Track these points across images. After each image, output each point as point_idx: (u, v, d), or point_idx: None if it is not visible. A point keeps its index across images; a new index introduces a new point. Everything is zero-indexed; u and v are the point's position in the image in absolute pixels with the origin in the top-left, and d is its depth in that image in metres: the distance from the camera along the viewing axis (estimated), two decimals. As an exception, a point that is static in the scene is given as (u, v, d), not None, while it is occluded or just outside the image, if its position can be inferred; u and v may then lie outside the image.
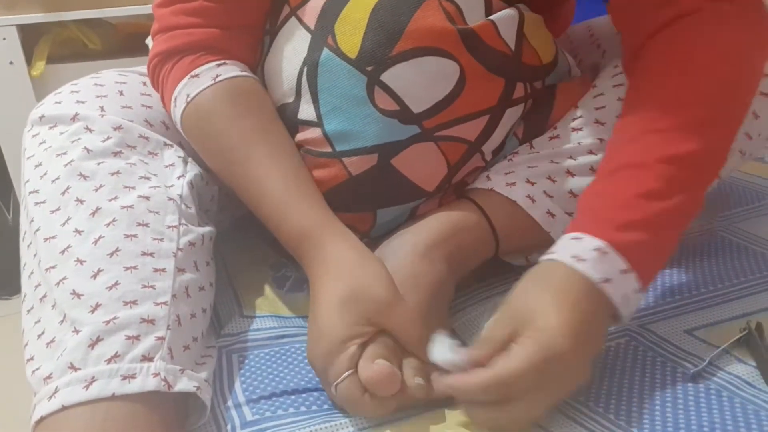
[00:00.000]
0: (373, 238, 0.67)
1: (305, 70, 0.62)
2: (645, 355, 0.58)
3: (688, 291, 0.67)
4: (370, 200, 0.65)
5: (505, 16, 0.64)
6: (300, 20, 0.64)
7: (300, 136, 0.64)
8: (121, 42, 1.72)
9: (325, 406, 0.55)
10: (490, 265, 0.68)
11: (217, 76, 0.64)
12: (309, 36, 0.63)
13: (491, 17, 0.64)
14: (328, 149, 0.63)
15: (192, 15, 0.65)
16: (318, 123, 0.63)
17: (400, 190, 0.64)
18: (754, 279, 0.67)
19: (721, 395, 0.52)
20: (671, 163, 0.55)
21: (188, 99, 0.64)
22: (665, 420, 0.50)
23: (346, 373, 0.52)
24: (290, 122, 0.65)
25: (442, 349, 0.53)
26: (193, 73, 0.64)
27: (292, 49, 0.64)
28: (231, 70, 0.65)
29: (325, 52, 0.61)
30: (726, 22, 0.60)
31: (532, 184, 0.65)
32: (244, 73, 0.65)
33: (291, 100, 0.64)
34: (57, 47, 1.61)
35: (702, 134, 0.56)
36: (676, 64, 0.60)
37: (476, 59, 0.62)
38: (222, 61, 0.65)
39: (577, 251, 0.53)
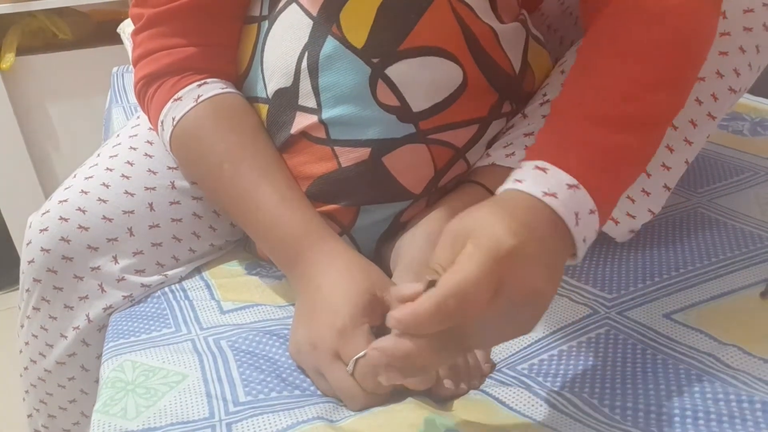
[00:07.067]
0: (354, 237, 0.67)
1: (306, 55, 0.62)
2: (626, 343, 0.58)
3: (667, 272, 0.66)
4: (355, 194, 0.65)
5: (508, 28, 0.65)
6: (301, 6, 0.63)
7: (297, 121, 0.64)
8: (92, 30, 1.69)
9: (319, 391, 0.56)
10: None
11: (198, 97, 0.65)
12: (311, 23, 0.62)
13: (492, 26, 0.64)
14: (323, 136, 0.63)
15: (170, 37, 0.66)
16: (316, 110, 0.63)
17: (387, 189, 0.64)
18: (733, 256, 0.67)
19: (702, 379, 0.53)
20: (627, 102, 0.51)
21: (174, 122, 0.65)
22: (648, 405, 0.51)
23: (365, 351, 0.51)
24: (288, 106, 0.64)
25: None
26: (176, 96, 0.66)
27: (292, 35, 0.63)
28: (212, 88, 0.66)
29: (330, 40, 0.61)
30: None
31: None
32: (226, 90, 0.67)
33: (289, 84, 0.64)
34: (26, 38, 1.59)
35: (658, 88, 0.52)
36: (635, 17, 0.55)
37: (480, 69, 0.63)
38: (203, 81, 0.67)
39: (518, 176, 0.49)
